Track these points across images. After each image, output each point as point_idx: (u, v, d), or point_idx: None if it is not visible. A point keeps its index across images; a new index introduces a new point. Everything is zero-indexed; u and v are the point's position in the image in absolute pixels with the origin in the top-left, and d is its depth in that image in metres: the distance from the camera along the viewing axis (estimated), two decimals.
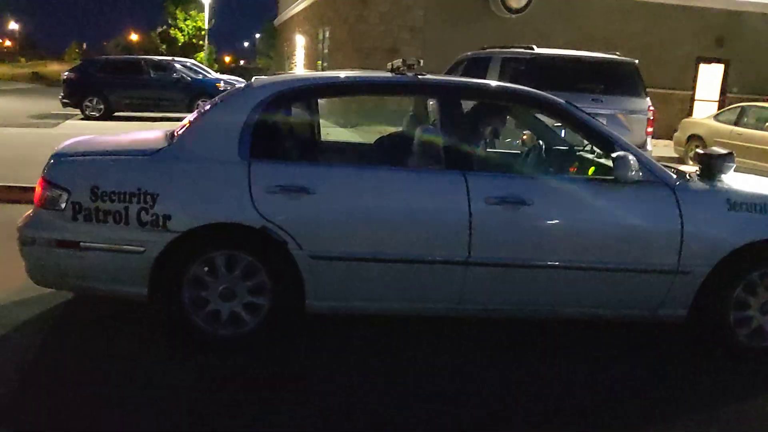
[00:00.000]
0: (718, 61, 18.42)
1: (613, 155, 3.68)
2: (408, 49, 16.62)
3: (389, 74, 4.01)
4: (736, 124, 12.99)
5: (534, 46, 9.55)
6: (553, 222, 3.72)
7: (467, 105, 4.61)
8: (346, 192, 3.68)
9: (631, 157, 3.66)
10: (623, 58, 9.57)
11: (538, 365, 3.81)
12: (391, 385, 3.50)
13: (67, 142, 4.11)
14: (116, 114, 17.77)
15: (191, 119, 4.01)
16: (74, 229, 3.63)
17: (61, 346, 3.82)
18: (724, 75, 18.61)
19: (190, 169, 3.67)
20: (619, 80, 9.30)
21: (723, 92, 18.62)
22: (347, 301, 3.79)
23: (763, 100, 13.70)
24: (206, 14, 47.13)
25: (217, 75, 21.64)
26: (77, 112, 17.78)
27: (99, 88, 17.59)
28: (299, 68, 25.36)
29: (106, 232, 3.61)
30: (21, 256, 3.84)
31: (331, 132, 11.25)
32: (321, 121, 4.62)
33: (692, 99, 18.62)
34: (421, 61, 4.12)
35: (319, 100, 4.29)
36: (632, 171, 3.64)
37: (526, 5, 16.70)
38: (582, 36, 15.64)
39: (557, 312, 3.90)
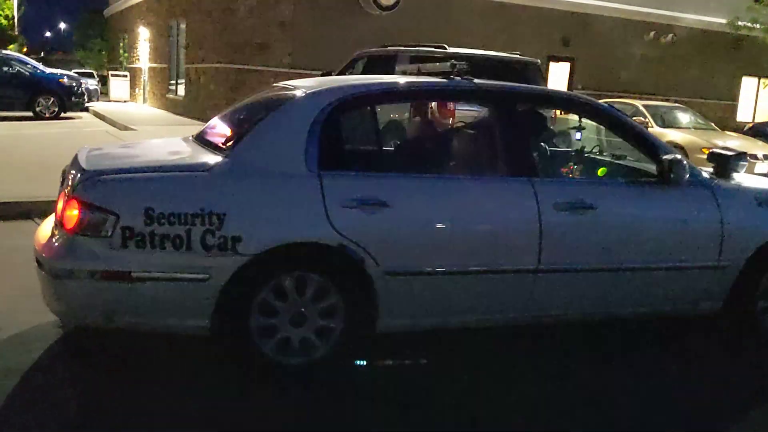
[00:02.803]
0: (566, 59, 19.80)
1: (668, 158, 3.81)
2: (278, 44, 16.27)
3: (444, 80, 3.85)
4: None
5: (445, 45, 9.67)
6: (616, 225, 3.79)
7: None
8: (422, 203, 3.51)
9: (683, 159, 3.82)
10: (527, 57, 9.97)
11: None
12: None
13: (88, 156, 3.57)
14: None
15: (238, 129, 3.63)
16: (124, 257, 3.15)
17: (107, 387, 3.31)
18: (570, 72, 20.05)
19: (259, 185, 3.32)
20: (524, 79, 9.61)
21: (570, 89, 20.05)
22: (420, 317, 3.63)
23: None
24: (15, 0, 43.00)
25: (53, 69, 19.88)
26: None
27: None
28: (144, 62, 23.86)
29: (163, 259, 3.17)
30: (48, 292, 3.28)
31: None
32: None
33: None
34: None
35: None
36: (687, 173, 3.80)
37: (396, 3, 16.90)
38: (447, 34, 16.02)
39: (614, 313, 3.99)
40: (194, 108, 17.32)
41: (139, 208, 3.14)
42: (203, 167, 3.33)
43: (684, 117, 13.94)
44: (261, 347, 3.35)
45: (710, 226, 3.93)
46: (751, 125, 18.59)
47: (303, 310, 3.39)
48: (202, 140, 3.91)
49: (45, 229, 3.70)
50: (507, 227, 3.61)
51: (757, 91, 23.04)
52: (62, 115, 17.27)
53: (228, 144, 3.51)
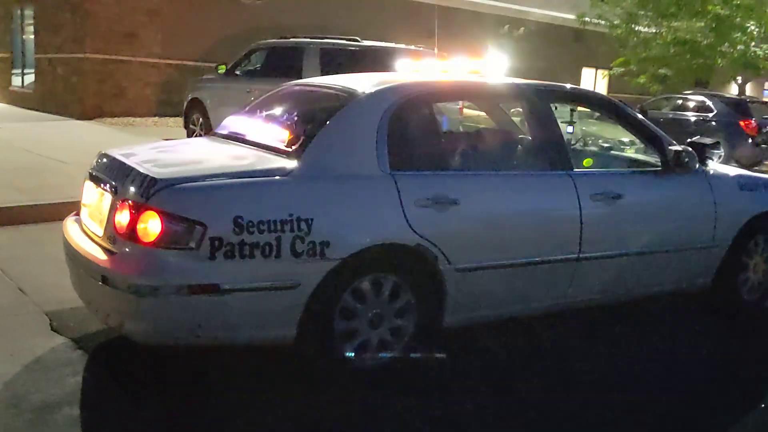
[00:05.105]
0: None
1: (678, 148, 4.18)
2: (146, 33, 15.41)
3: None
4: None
5: (358, 38, 9.72)
6: (639, 213, 4.10)
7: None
8: (486, 200, 3.62)
9: (690, 149, 4.20)
10: (433, 50, 10.27)
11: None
12: None
13: (139, 162, 3.30)
14: None
15: (298, 130, 3.51)
16: (212, 269, 2.98)
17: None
18: None
19: (340, 188, 3.27)
20: None
21: None
22: (481, 310, 3.74)
23: None
24: None
25: None
26: None
27: None
28: None
29: (253, 269, 3.04)
30: (126, 312, 3.02)
31: None
32: None
33: None
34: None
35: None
36: (697, 161, 4.19)
37: None
38: (318, 25, 15.95)
39: (631, 294, 4.31)
40: (50, 102, 15.95)
41: (228, 217, 2.99)
42: (281, 172, 3.21)
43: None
44: (342, 351, 3.31)
45: (708, 210, 4.36)
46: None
47: (379, 311, 3.38)
48: (243, 141, 3.75)
49: (83, 241, 3.40)
50: (557, 219, 3.81)
51: (595, 81, 25.09)
52: None
53: (293, 146, 3.38)
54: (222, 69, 11.19)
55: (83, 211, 3.70)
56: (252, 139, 3.71)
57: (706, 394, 3.64)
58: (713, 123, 15.31)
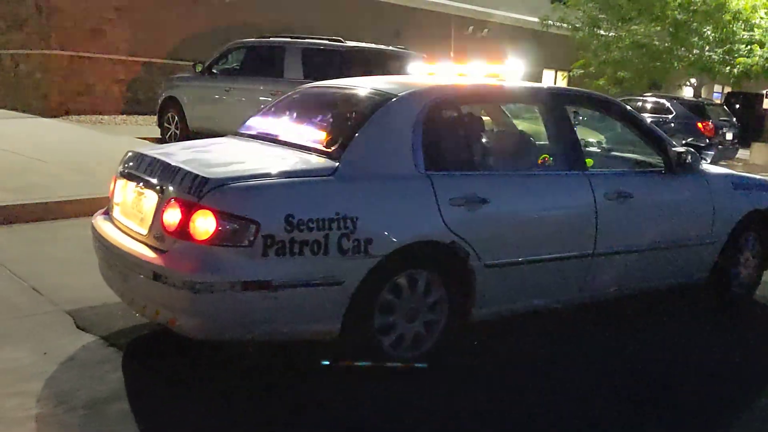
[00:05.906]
0: None
1: (681, 150, 4.42)
2: (114, 30, 15.18)
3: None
4: None
5: (341, 39, 9.81)
6: (648, 211, 4.32)
7: None
8: (515, 199, 3.79)
9: (694, 151, 4.44)
10: (414, 52, 10.43)
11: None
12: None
13: (183, 161, 3.37)
14: None
15: (335, 131, 3.61)
16: (265, 266, 3.07)
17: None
18: None
19: (382, 187, 3.40)
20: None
21: None
22: (506, 304, 3.90)
23: None
24: None
25: None
26: None
27: None
28: None
29: (302, 265, 3.14)
30: (181, 308, 3.08)
31: None
32: None
33: None
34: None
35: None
36: (699, 162, 4.43)
37: None
38: (286, 24, 15.96)
39: (640, 288, 4.53)
40: (13, 99, 15.56)
41: (280, 216, 3.08)
42: (326, 171, 3.31)
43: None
44: (382, 344, 3.43)
45: (707, 208, 4.62)
46: None
47: (414, 305, 3.51)
48: (274, 141, 3.84)
49: (124, 239, 3.44)
50: (576, 217, 4.01)
51: (555, 83, 25.60)
52: None
53: (332, 147, 3.48)
54: (199, 67, 11.15)
55: (115, 210, 3.74)
56: (284, 139, 3.80)
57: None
58: (672, 125, 15.84)
